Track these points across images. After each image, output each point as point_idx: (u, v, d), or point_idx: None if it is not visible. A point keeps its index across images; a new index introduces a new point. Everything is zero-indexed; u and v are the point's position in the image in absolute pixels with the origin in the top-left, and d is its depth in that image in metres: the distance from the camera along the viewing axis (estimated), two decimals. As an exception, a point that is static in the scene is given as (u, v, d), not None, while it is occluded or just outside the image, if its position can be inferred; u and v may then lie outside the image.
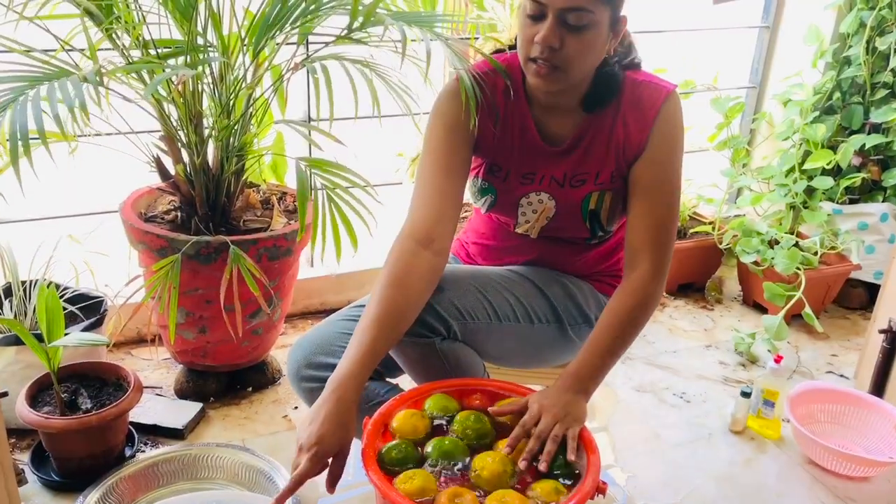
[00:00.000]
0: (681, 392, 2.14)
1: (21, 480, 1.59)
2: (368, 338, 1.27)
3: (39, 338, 1.59)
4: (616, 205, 1.44)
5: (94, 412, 1.60)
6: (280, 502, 1.18)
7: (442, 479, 1.23)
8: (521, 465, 1.21)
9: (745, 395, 1.94)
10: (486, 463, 1.22)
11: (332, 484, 1.22)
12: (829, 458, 1.82)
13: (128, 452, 1.71)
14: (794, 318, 2.45)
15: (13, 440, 1.77)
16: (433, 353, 1.39)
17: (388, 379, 1.59)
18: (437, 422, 1.34)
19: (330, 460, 1.21)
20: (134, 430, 1.77)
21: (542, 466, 1.20)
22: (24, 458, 1.70)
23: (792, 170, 2.69)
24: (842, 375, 2.29)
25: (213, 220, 1.85)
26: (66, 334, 1.57)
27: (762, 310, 2.53)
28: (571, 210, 1.46)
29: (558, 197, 1.45)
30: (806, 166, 2.62)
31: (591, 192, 1.43)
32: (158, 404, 1.89)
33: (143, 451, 1.72)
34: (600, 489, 1.21)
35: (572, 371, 1.33)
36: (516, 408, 1.31)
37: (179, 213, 1.89)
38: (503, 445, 1.27)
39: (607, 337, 1.35)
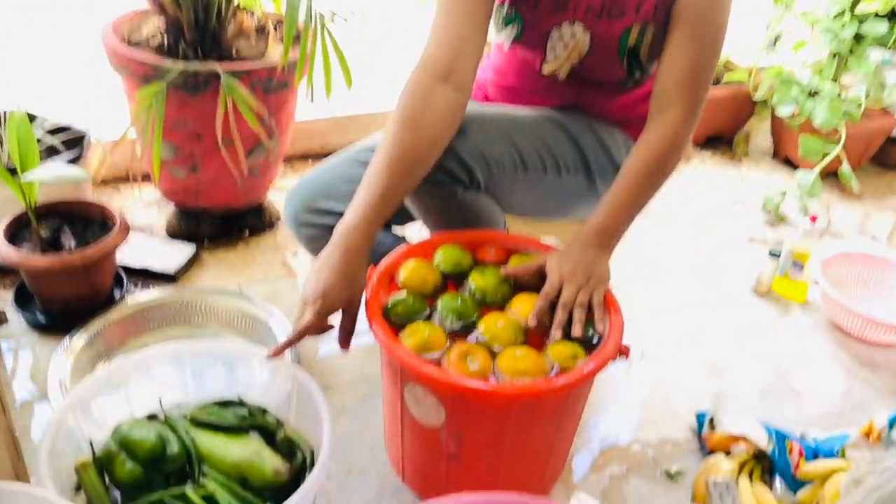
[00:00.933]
0: (703, 251, 2.02)
1: (1, 320, 1.50)
2: (380, 184, 1.14)
3: (15, 172, 1.45)
4: (658, 42, 1.26)
5: (77, 251, 1.49)
6: (277, 353, 1.09)
7: (449, 337, 1.13)
8: (556, 334, 1.11)
9: (774, 255, 1.82)
10: (495, 329, 1.11)
11: (345, 340, 1.14)
12: (856, 322, 1.73)
13: (117, 295, 1.61)
14: (826, 175, 2.29)
15: (-5, 278, 1.68)
16: (452, 203, 1.26)
17: (395, 230, 1.46)
18: (447, 276, 1.23)
19: (339, 316, 1.12)
20: (123, 273, 1.66)
21: (575, 332, 1.11)
22: (7, 296, 1.60)
23: (842, 13, 2.44)
24: (874, 238, 2.17)
25: (203, 46, 1.66)
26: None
27: (793, 166, 2.37)
28: (608, 46, 1.27)
29: (594, 30, 1.26)
30: (858, 9, 2.37)
31: (632, 26, 1.24)
32: (149, 246, 1.78)
33: (133, 295, 1.62)
34: (622, 352, 1.12)
35: (594, 226, 1.21)
36: (532, 269, 1.19)
37: (165, 38, 1.70)
38: (517, 305, 1.17)
39: (632, 187, 1.22)
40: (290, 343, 1.08)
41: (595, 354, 1.09)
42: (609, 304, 1.17)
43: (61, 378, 1.35)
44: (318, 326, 1.09)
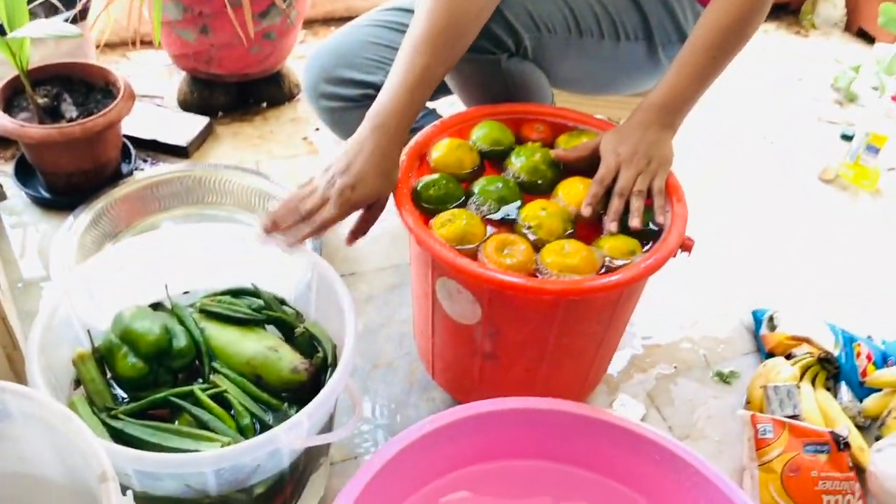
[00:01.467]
0: (762, 131, 1.84)
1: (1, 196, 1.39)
2: (420, 61, 0.98)
3: (3, 31, 1.30)
4: None
5: (77, 121, 1.35)
6: (294, 243, 0.97)
7: (487, 226, 1.00)
8: (612, 226, 0.97)
9: (846, 138, 1.64)
10: (540, 217, 0.98)
11: (355, 237, 1.02)
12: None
13: (124, 170, 1.49)
14: (904, 50, 2.06)
15: (-5, 149, 1.56)
16: (496, 73, 1.10)
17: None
18: (486, 156, 1.09)
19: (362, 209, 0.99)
20: (131, 146, 1.53)
21: (633, 223, 0.97)
22: (7, 169, 1.49)
23: None
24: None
25: None
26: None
27: (869, 39, 2.14)
28: None
29: None
30: None
31: None
32: (159, 117, 1.64)
33: (142, 170, 1.50)
34: (685, 246, 0.98)
35: (656, 100, 1.04)
36: (585, 153, 1.05)
37: None
38: (565, 191, 1.03)
39: (703, 55, 1.04)
40: (310, 235, 0.96)
41: (654, 249, 0.96)
42: (671, 190, 1.02)
43: (65, 260, 1.25)
44: (342, 219, 0.96)
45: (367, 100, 1.22)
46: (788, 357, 1.22)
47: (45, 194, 1.44)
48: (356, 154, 0.96)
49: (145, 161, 1.56)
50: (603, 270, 0.94)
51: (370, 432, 1.14)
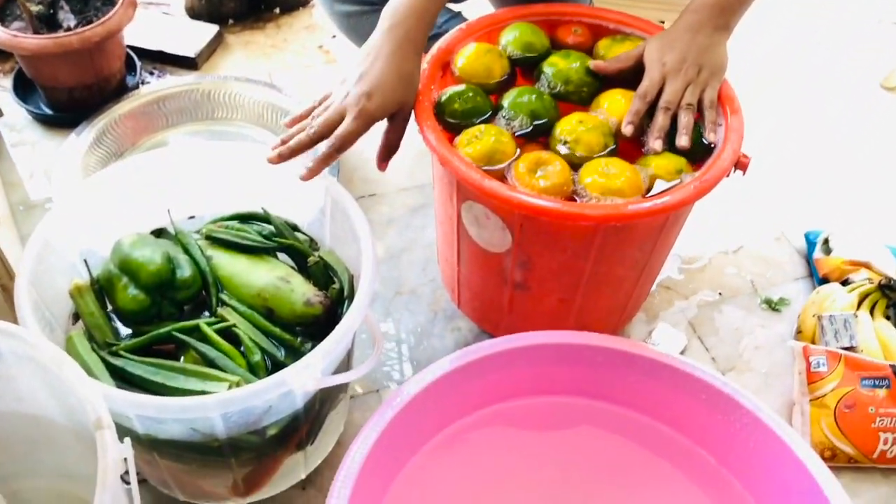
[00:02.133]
0: (821, 35, 1.68)
1: (-3, 113, 1.31)
2: None
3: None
4: None
5: (75, 31, 1.25)
6: (314, 173, 0.87)
7: (519, 142, 0.90)
8: (656, 144, 0.87)
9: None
10: (578, 132, 0.88)
11: (385, 157, 0.91)
12: None
13: (129, 83, 1.40)
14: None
15: (-6, 63, 1.47)
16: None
17: (449, 5, 1.18)
18: (517, 63, 0.98)
19: (385, 124, 0.88)
20: (136, 57, 1.43)
21: (681, 142, 0.86)
22: (6, 84, 1.40)
23: None
24: None
25: None
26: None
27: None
28: None
29: None
30: None
31: None
32: (165, 26, 1.53)
33: (148, 83, 1.41)
34: (740, 164, 0.88)
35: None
36: (628, 63, 0.93)
37: None
38: (606, 102, 0.92)
39: None
40: (331, 157, 0.86)
41: (706, 167, 0.85)
42: (725, 101, 0.91)
43: (67, 181, 1.17)
44: (363, 132, 0.86)
45: (386, 3, 1.11)
46: (845, 283, 1.13)
47: (47, 110, 1.36)
48: (372, 59, 0.86)
49: (151, 73, 1.46)
50: (648, 193, 0.84)
51: (394, 364, 1.08)
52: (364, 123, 0.85)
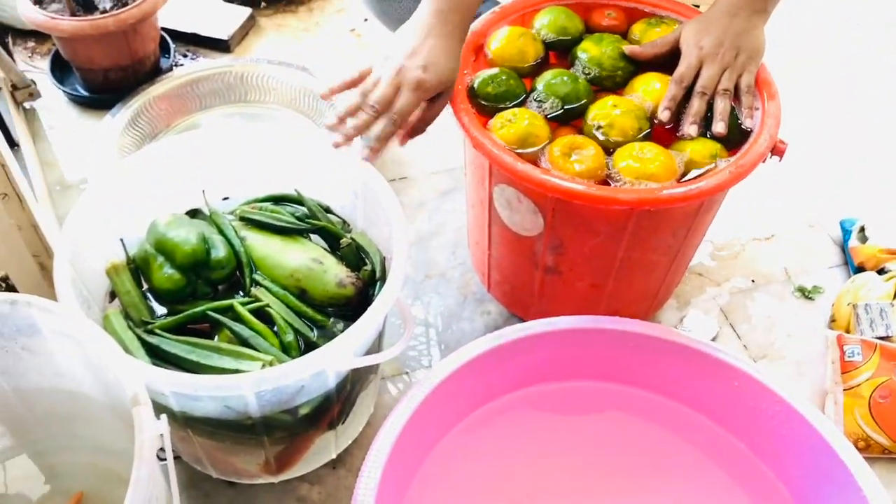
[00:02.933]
0: (857, 19, 1.64)
1: (33, 94, 1.33)
2: None
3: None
4: None
5: (111, 13, 1.26)
6: (380, 151, 0.86)
7: (552, 125, 0.90)
8: (691, 130, 0.86)
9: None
10: (612, 116, 0.87)
11: (411, 135, 0.90)
12: None
13: (164, 66, 1.41)
14: None
15: (31, 43, 1.48)
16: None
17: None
18: (551, 46, 0.97)
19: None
20: (170, 40, 1.44)
21: (717, 128, 0.86)
22: (42, 65, 1.42)
23: None
24: None
25: None
26: None
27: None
28: None
29: None
30: None
31: None
32: (199, 8, 1.53)
33: (181, 66, 1.42)
34: (777, 150, 0.86)
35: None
36: (664, 49, 0.93)
37: None
38: (641, 86, 0.92)
39: None
40: (391, 135, 0.85)
41: (742, 153, 0.84)
42: (762, 86, 0.90)
43: (102, 162, 1.19)
44: (416, 108, 0.85)
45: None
46: (881, 272, 1.11)
47: (83, 92, 1.38)
48: (424, 36, 0.85)
49: (185, 56, 1.47)
50: (683, 178, 0.84)
51: (423, 347, 1.08)
52: (421, 96, 0.84)
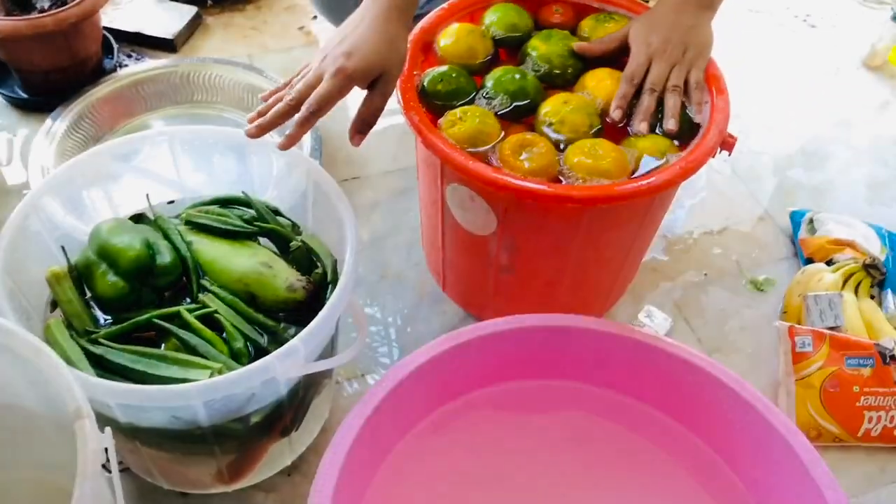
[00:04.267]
0: (804, 14, 1.68)
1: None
2: None
3: None
4: None
5: (49, 12, 1.23)
6: (292, 142, 0.81)
7: (503, 123, 0.89)
8: (641, 127, 0.86)
9: (897, 20, 1.48)
10: (563, 112, 0.87)
11: (360, 130, 0.84)
12: None
13: (107, 67, 1.37)
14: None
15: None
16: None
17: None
18: (501, 43, 0.96)
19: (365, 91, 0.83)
20: (113, 40, 1.41)
21: (668, 125, 0.86)
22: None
23: None
24: None
25: None
26: None
27: None
28: None
29: None
30: None
31: None
32: (143, 7, 1.50)
33: (126, 66, 1.38)
34: (727, 144, 0.87)
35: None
36: (612, 45, 0.93)
37: None
38: (591, 82, 0.92)
39: None
40: (307, 124, 0.80)
41: (691, 148, 0.85)
42: (712, 81, 0.90)
43: (44, 167, 1.15)
44: (340, 95, 0.80)
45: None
46: (829, 263, 1.13)
47: (22, 94, 1.33)
48: (355, 25, 0.82)
49: (129, 56, 1.44)
50: (634, 174, 0.84)
51: (379, 348, 1.07)
52: (341, 83, 0.79)
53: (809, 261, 1.16)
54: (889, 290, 1.10)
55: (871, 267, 1.09)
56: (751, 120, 1.41)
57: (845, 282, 1.09)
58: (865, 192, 1.32)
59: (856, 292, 1.09)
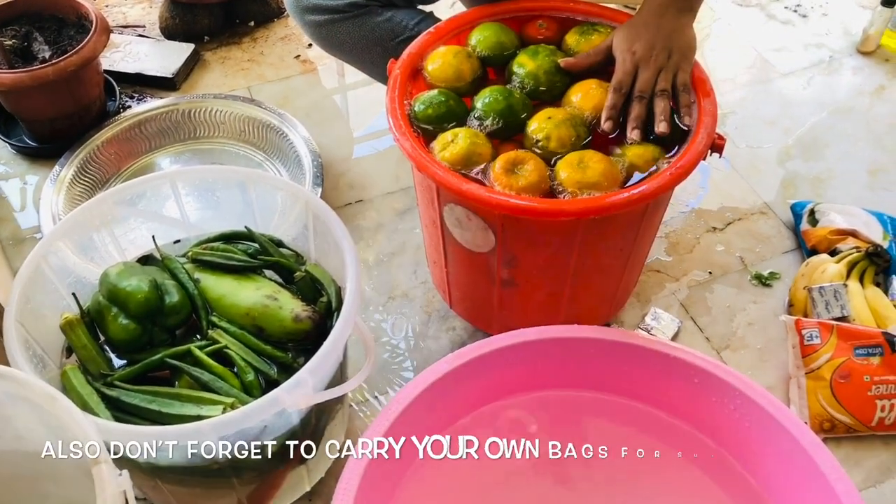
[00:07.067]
0: (794, 4, 1.68)
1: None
2: None
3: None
4: None
5: (49, 62, 1.26)
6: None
7: (494, 142, 0.91)
8: (634, 135, 0.87)
9: (889, 3, 1.48)
10: (550, 126, 0.88)
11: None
12: None
13: (111, 109, 1.40)
14: None
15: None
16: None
17: (420, 6, 1.18)
18: (487, 62, 0.98)
19: None
20: (114, 83, 1.44)
21: (661, 128, 0.87)
22: (-13, 120, 1.41)
23: None
24: None
25: None
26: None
27: None
28: None
29: None
30: None
31: None
32: (142, 48, 1.53)
33: (129, 108, 1.41)
34: (716, 145, 0.88)
35: (669, -21, 0.92)
36: (598, 58, 0.94)
37: None
38: (577, 95, 0.93)
39: None
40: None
41: (681, 153, 0.86)
42: (697, 83, 0.91)
43: (54, 215, 1.18)
44: None
45: (355, 9, 1.11)
46: (833, 253, 1.13)
47: (30, 143, 1.36)
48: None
49: (132, 97, 1.47)
50: (626, 183, 0.85)
51: (391, 368, 1.09)
52: None
53: (813, 252, 1.16)
54: (894, 277, 1.10)
55: (874, 255, 1.10)
56: (747, 115, 1.41)
57: (850, 271, 1.09)
58: (866, 179, 1.32)
59: (861, 281, 1.09)
